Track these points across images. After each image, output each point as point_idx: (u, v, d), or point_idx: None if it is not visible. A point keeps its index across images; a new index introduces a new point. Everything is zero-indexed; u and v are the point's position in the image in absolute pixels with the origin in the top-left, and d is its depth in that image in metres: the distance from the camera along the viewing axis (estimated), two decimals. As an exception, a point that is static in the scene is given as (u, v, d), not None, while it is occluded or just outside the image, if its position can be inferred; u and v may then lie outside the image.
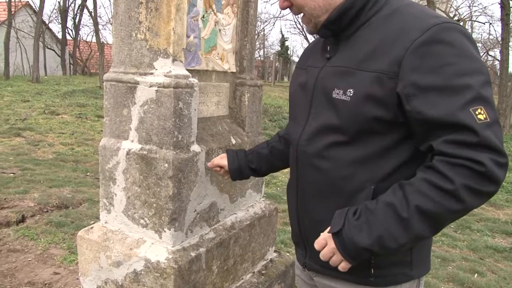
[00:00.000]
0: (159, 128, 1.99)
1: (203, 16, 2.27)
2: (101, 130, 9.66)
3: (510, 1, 11.78)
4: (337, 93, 1.26)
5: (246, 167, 1.84)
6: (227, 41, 2.49)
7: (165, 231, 2.03)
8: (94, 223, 4.37)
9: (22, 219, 4.51)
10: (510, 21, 12.02)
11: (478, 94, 1.08)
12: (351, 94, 1.22)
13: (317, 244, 1.26)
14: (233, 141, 2.44)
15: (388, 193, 1.18)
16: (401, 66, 1.13)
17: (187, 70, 2.11)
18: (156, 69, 2.04)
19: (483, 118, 1.07)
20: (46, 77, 22.72)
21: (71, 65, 29.28)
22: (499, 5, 11.52)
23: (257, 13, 2.75)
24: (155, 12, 2.04)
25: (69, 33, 29.40)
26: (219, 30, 2.41)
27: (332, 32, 1.34)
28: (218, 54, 2.42)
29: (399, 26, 1.18)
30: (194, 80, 2.06)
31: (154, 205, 2.03)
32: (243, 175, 1.87)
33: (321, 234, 1.27)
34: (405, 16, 1.20)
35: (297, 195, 1.44)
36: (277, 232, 3.35)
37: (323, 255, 1.25)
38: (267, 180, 6.26)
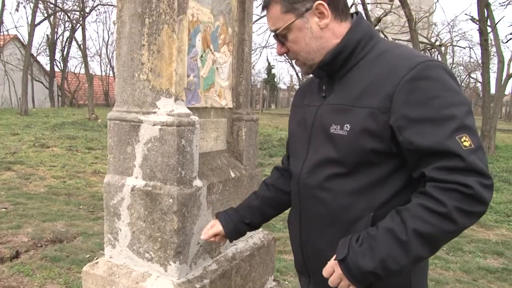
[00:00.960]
0: (163, 164, 2.08)
1: (202, 56, 2.39)
2: (92, 163, 9.67)
3: (488, 27, 12.21)
4: (335, 129, 1.36)
5: (241, 223, 1.83)
6: (224, 78, 2.61)
7: (170, 264, 2.09)
8: (89, 256, 4.40)
9: (16, 255, 4.48)
10: (489, 46, 12.43)
11: (462, 124, 1.20)
12: (348, 129, 1.33)
13: (325, 272, 1.34)
14: (232, 175, 2.53)
15: (387, 219, 1.27)
16: (392, 101, 1.25)
17: (188, 108, 2.21)
18: (159, 108, 2.13)
19: (468, 145, 1.18)
20: (34, 109, 22.71)
21: (59, 97, 29.30)
22: (478, 31, 11.93)
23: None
24: (157, 54, 2.15)
25: (57, 65, 29.53)
26: (217, 68, 2.53)
27: (326, 72, 1.46)
28: (216, 91, 2.53)
29: (388, 65, 1.31)
30: (195, 118, 2.16)
31: (159, 239, 2.10)
32: (240, 233, 1.87)
33: (328, 262, 1.35)
34: (393, 56, 1.34)
35: (300, 226, 1.52)
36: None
37: (331, 282, 1.32)
38: (260, 208, 6.34)
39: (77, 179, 8.22)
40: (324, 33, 1.41)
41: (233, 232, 1.83)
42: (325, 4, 1.38)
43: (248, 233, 2.68)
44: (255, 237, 2.82)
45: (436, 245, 1.23)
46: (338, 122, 1.36)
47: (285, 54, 1.53)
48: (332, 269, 1.33)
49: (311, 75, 1.58)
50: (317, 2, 1.38)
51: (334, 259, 1.32)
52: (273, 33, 1.47)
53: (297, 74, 46.58)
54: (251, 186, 2.74)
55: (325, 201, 1.40)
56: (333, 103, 1.42)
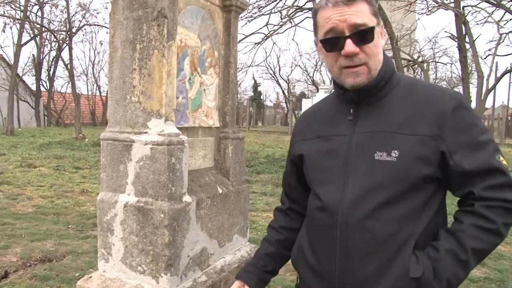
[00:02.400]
0: (154, 181, 2.21)
1: (190, 79, 2.54)
2: (80, 182, 9.70)
3: (467, 44, 12.58)
4: (380, 155, 1.36)
5: (264, 273, 1.75)
6: (210, 99, 2.76)
7: (162, 276, 2.20)
8: (79, 275, 4.46)
9: (5, 275, 4.49)
10: (468, 62, 12.80)
11: (496, 146, 1.38)
12: (396, 155, 1.35)
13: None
14: (220, 190, 2.66)
15: (442, 241, 1.35)
16: (441, 128, 1.34)
17: (177, 128, 2.35)
18: (150, 129, 2.27)
19: (505, 163, 1.36)
20: (20, 129, 22.59)
21: (45, 117, 29.19)
22: (457, 48, 12.30)
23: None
24: (148, 78, 2.29)
25: (43, 85, 29.48)
26: (204, 89, 2.68)
27: (358, 96, 1.45)
28: (203, 111, 2.68)
29: (428, 96, 1.40)
30: (184, 137, 2.30)
31: (151, 252, 2.21)
32: (265, 283, 1.78)
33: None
34: (428, 88, 1.45)
35: (336, 257, 1.43)
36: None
37: None
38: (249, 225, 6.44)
39: (65, 199, 8.24)
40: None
41: (258, 285, 1.74)
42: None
43: (235, 246, 2.81)
44: (242, 250, 2.94)
45: (484, 257, 1.37)
46: (383, 149, 1.37)
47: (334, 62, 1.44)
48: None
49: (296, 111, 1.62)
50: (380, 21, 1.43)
51: (411, 276, 1.33)
52: (347, 31, 1.35)
53: (283, 91, 47.02)
54: (238, 201, 2.87)
55: (372, 230, 1.37)
56: (370, 131, 1.41)
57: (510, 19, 12.90)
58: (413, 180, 1.34)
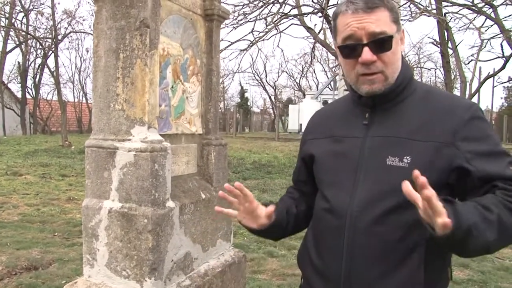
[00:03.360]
0: (138, 187, 2.26)
1: (172, 87, 2.60)
2: (66, 189, 9.67)
3: (450, 50, 12.81)
4: (392, 160, 1.36)
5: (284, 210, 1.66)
6: (193, 107, 2.82)
7: (146, 281, 2.25)
8: (65, 282, 4.46)
9: (-9, 284, 4.50)
10: (451, 68, 13.03)
11: (509, 158, 1.38)
12: (408, 161, 1.34)
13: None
14: (203, 196, 2.72)
15: (466, 202, 1.26)
16: (455, 136, 1.34)
17: (160, 135, 2.41)
18: (133, 136, 2.32)
19: None
20: (5, 137, 22.39)
21: (31, 124, 28.95)
22: (440, 54, 12.52)
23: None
24: (131, 86, 2.35)
25: (28, 92, 29.28)
26: (186, 97, 2.74)
27: (373, 102, 1.45)
28: (186, 118, 2.74)
29: (444, 104, 1.41)
30: (167, 144, 2.35)
31: (135, 257, 2.26)
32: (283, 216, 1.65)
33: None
34: (443, 96, 1.46)
35: (343, 260, 1.42)
36: (246, 279, 3.56)
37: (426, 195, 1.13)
38: (234, 230, 6.46)
39: (51, 207, 8.22)
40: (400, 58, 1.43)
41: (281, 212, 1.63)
42: (405, 32, 1.43)
43: (219, 251, 2.86)
44: (226, 255, 2.99)
45: (502, 238, 1.23)
46: (395, 154, 1.36)
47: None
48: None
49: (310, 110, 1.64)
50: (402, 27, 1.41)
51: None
52: (365, 38, 1.36)
53: (270, 97, 47.19)
54: (221, 206, 2.92)
55: (380, 234, 1.37)
56: (384, 135, 1.41)
57: (491, 26, 13.16)
58: None
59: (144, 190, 2.24)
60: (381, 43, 1.35)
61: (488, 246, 1.22)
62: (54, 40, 20.62)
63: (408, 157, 1.34)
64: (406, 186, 1.15)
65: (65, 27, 24.41)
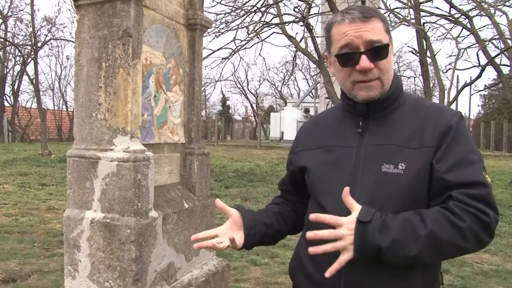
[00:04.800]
0: (120, 198, 2.24)
1: (155, 96, 2.60)
2: (46, 199, 9.50)
3: (428, 58, 13.04)
4: (388, 167, 1.39)
5: (260, 224, 1.61)
6: (176, 116, 2.82)
7: (128, 292, 2.23)
8: (45, 294, 4.36)
9: (-33, 297, 4.40)
10: (430, 76, 13.25)
11: (483, 165, 1.42)
12: (403, 168, 1.37)
13: (333, 220, 1.28)
14: (186, 205, 2.72)
15: (407, 213, 1.32)
16: (442, 139, 1.39)
17: (143, 144, 2.40)
18: (116, 146, 2.31)
19: (489, 181, 1.37)
20: (-18, 146, 21.96)
21: (9, 133, 28.45)
22: (419, 63, 12.73)
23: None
24: (113, 95, 2.34)
25: (6, 100, 28.80)
26: (169, 106, 2.74)
27: (367, 110, 1.49)
28: (169, 128, 2.74)
29: (433, 113, 1.46)
30: (150, 154, 2.35)
31: (118, 268, 2.24)
32: (255, 231, 1.59)
33: (337, 218, 1.29)
34: (431, 105, 1.51)
35: (342, 271, 1.39)
36: None
37: (328, 235, 1.26)
38: (217, 238, 6.45)
39: (31, 216, 8.07)
40: None
41: (249, 219, 1.58)
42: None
43: (203, 260, 2.85)
44: (209, 264, 2.98)
45: (440, 253, 1.32)
46: (390, 161, 1.40)
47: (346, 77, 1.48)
48: (338, 222, 1.27)
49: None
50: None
51: (357, 218, 1.27)
52: (362, 47, 1.40)
53: (251, 105, 47.29)
54: (204, 216, 2.93)
55: None
56: (378, 143, 1.45)
57: (467, 35, 13.47)
58: (420, 191, 1.38)
59: (127, 200, 2.23)
60: (378, 51, 1.40)
61: (414, 258, 1.28)
62: (34, 47, 20.34)
63: (402, 164, 1.38)
64: (346, 191, 1.29)
65: (45, 34, 24.11)
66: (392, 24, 10.53)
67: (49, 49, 29.77)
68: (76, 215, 2.36)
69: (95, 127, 2.39)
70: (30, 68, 24.94)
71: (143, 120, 2.46)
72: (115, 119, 2.33)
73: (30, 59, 22.18)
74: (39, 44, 21.29)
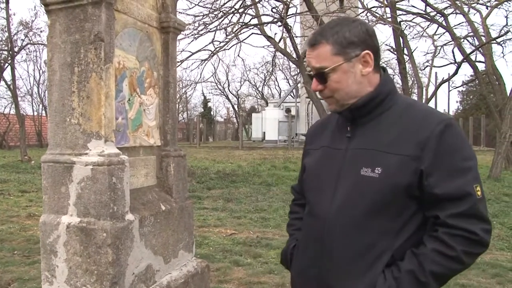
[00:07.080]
0: (96, 201, 2.25)
1: (129, 100, 2.61)
2: (26, 206, 9.38)
3: (406, 56, 13.23)
4: (365, 171, 1.48)
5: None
6: (151, 119, 2.83)
7: (106, 295, 2.23)
8: (26, 302, 4.32)
9: None
10: (409, 73, 13.46)
11: (476, 175, 1.46)
12: (379, 172, 1.46)
13: None
14: (163, 208, 2.73)
15: (406, 262, 1.44)
16: (423, 150, 1.43)
17: (118, 148, 2.41)
18: (90, 150, 2.32)
19: (479, 194, 1.42)
20: (-41, 154, 21.54)
21: (-13, 140, 27.96)
22: (396, 60, 12.92)
23: (177, 81, 3.13)
24: (86, 100, 2.35)
25: (-16, 106, 28.27)
26: (144, 110, 2.75)
27: (352, 115, 1.58)
28: (144, 131, 2.75)
29: (418, 118, 1.49)
30: (124, 157, 2.36)
31: (95, 272, 2.24)
32: None
33: None
34: (420, 110, 1.54)
35: (323, 261, 1.57)
36: (211, 288, 3.56)
37: None
38: (200, 241, 6.43)
39: (11, 224, 7.96)
40: (363, 79, 1.54)
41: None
42: (371, 55, 1.53)
43: (181, 262, 2.87)
44: (188, 265, 3.00)
45: (445, 281, 1.46)
46: (369, 165, 1.48)
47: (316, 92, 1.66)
48: None
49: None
50: (365, 51, 1.51)
51: None
52: (313, 71, 1.55)
53: (233, 106, 47.29)
54: (182, 217, 2.95)
55: (353, 238, 1.50)
56: (362, 147, 1.54)
57: (443, 33, 13.70)
58: (393, 196, 1.45)
59: (103, 204, 2.24)
60: (322, 76, 1.54)
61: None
62: (10, 52, 20.04)
63: (379, 169, 1.46)
64: None
65: (21, 39, 23.74)
66: (370, 23, 10.66)
67: (27, 54, 29.37)
68: (52, 220, 2.36)
69: (69, 132, 2.39)
70: (7, 74, 24.51)
71: (117, 124, 2.47)
72: (89, 123, 2.34)
73: (7, 64, 21.80)
74: (16, 49, 20.99)
